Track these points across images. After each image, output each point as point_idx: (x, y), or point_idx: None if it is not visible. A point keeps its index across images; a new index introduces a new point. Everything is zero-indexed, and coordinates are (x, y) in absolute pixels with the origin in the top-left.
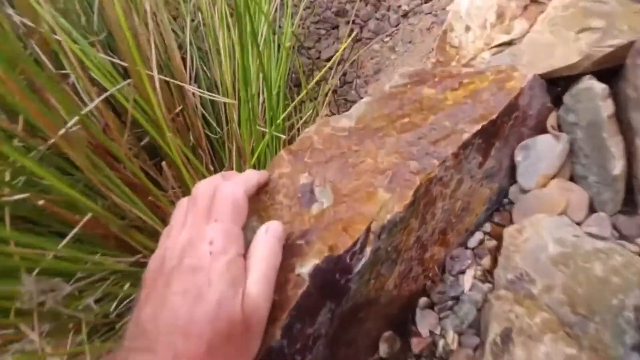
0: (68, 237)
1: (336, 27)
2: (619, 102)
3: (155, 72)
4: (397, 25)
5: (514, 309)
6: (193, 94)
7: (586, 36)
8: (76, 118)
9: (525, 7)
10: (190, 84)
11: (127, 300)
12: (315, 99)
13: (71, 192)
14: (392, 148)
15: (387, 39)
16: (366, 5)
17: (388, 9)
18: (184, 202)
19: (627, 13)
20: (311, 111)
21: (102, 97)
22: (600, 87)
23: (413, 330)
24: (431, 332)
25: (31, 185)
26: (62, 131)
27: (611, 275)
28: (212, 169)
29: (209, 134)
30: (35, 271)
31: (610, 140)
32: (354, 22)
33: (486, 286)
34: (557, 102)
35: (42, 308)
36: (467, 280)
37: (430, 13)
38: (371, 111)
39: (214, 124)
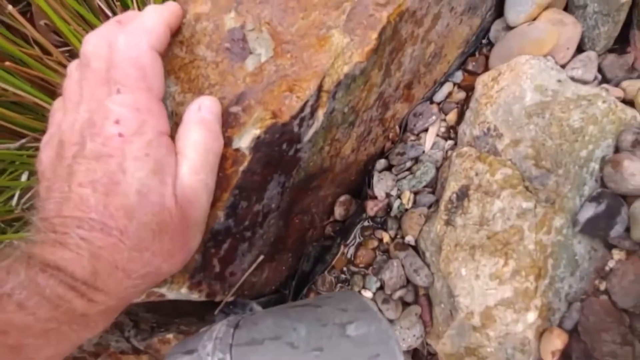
0: None
1: None
2: None
3: None
4: None
5: (475, 166)
6: None
7: None
8: None
9: None
10: None
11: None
12: None
13: None
14: None
15: None
16: None
17: None
18: (73, 67)
19: None
20: None
21: None
22: None
23: (369, 193)
24: (387, 194)
25: None
26: None
27: (589, 124)
28: (108, 14)
29: None
30: None
31: None
32: None
33: (448, 144)
34: None
35: None
36: (429, 138)
37: None
38: None
39: None
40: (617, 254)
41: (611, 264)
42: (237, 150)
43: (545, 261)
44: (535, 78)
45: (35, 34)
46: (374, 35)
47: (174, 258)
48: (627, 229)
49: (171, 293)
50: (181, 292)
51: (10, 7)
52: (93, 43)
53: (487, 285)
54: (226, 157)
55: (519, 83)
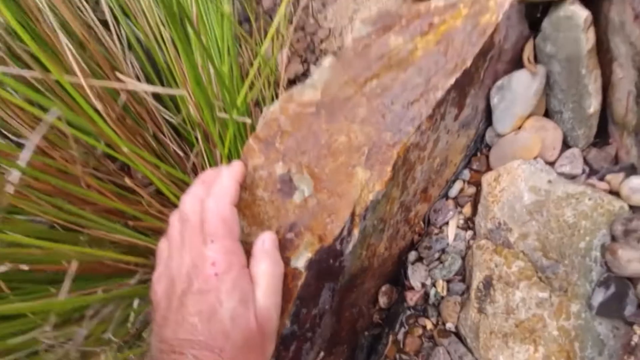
0: (65, 286)
1: None
2: (600, 24)
3: (80, 77)
4: None
5: (493, 258)
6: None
7: None
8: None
9: None
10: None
11: (140, 314)
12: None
13: (54, 245)
14: (365, 120)
15: None
16: None
17: None
18: (175, 220)
19: None
20: (269, 75)
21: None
22: (583, 15)
23: (407, 284)
24: (423, 284)
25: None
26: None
27: (581, 219)
28: (181, 154)
29: (168, 118)
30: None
31: (589, 76)
32: None
33: (469, 234)
34: (535, 27)
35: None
36: (451, 231)
37: None
38: (336, 76)
39: (168, 111)
40: (638, 329)
41: (635, 338)
42: (295, 269)
43: (571, 344)
44: (528, 180)
45: (137, 188)
46: (389, 169)
47: None
48: (639, 306)
49: None
50: None
51: (127, 179)
52: (189, 203)
53: None
54: (287, 275)
55: (516, 185)
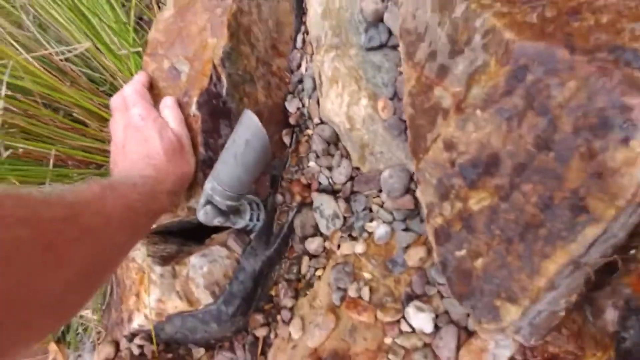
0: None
1: None
2: None
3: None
4: None
5: (316, 58)
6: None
7: None
8: None
9: None
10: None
11: None
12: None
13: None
14: (202, 8)
15: None
16: None
17: None
18: (112, 111)
19: None
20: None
21: None
22: None
23: (288, 114)
24: (298, 108)
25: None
26: None
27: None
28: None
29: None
30: None
31: None
32: None
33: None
34: None
35: None
36: (303, 65)
37: None
38: None
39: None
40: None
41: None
42: (194, 115)
43: (357, 72)
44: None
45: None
46: (225, 30)
47: (187, 167)
48: (388, 32)
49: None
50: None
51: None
52: (114, 98)
53: None
54: (190, 121)
55: (313, 6)
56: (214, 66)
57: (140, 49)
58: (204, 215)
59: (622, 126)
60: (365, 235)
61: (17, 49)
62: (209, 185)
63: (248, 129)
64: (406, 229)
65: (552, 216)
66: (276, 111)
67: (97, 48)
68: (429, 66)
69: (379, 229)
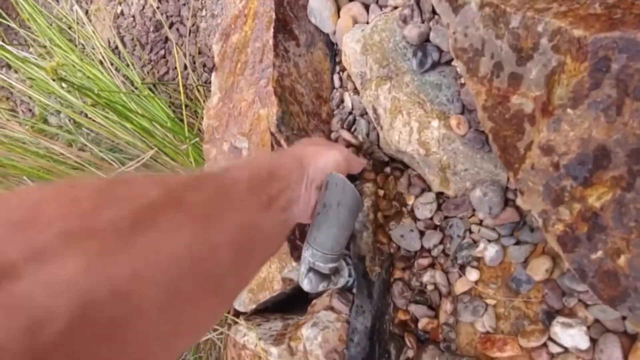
0: None
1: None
2: None
3: None
4: None
5: (367, 93)
6: None
7: None
8: None
9: None
10: None
11: None
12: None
13: None
14: (246, 85)
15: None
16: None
17: None
18: None
19: None
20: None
21: None
22: None
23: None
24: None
25: None
26: None
27: (382, 34)
28: None
29: None
30: None
31: None
32: (171, 24)
33: (356, 96)
34: None
35: None
36: (347, 101)
37: None
38: (220, 78)
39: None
40: (447, 69)
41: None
42: None
43: (418, 96)
44: (353, 38)
45: None
46: (273, 98)
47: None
48: (438, 50)
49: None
50: None
51: None
52: None
53: None
54: None
55: (349, 46)
56: (272, 134)
57: (197, 138)
58: (308, 283)
59: None
60: (474, 262)
61: (83, 168)
62: (308, 252)
63: (337, 191)
64: (518, 243)
65: None
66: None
67: (161, 150)
68: (497, 78)
69: (488, 251)
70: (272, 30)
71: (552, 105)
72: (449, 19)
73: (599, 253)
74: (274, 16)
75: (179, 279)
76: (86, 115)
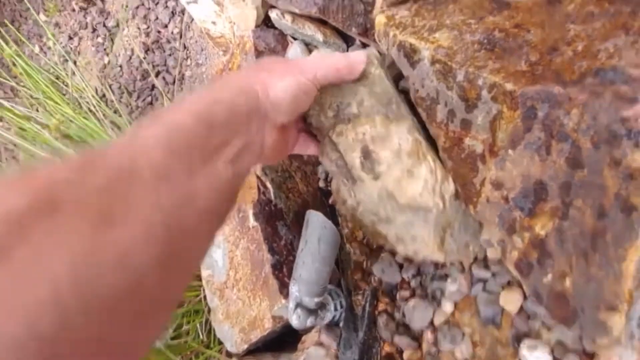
0: None
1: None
2: None
3: None
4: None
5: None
6: None
7: None
8: None
9: None
10: None
11: None
12: None
13: None
14: None
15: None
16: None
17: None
18: None
19: None
20: None
21: None
22: None
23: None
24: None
25: None
26: None
27: None
28: None
29: None
30: None
31: None
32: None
33: None
34: None
35: None
36: None
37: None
38: None
39: None
40: None
41: None
42: (253, 226)
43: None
44: None
45: None
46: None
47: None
48: None
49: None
50: None
51: None
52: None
53: None
54: (252, 232)
55: None
56: (257, 177)
57: None
58: (296, 319)
59: (628, 135)
60: (446, 293)
61: None
62: (294, 288)
63: (317, 228)
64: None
65: (610, 221)
66: (317, 194)
67: None
68: (451, 122)
69: (452, 286)
70: None
71: (496, 146)
72: (407, 72)
73: (549, 277)
74: None
75: (63, 316)
76: None
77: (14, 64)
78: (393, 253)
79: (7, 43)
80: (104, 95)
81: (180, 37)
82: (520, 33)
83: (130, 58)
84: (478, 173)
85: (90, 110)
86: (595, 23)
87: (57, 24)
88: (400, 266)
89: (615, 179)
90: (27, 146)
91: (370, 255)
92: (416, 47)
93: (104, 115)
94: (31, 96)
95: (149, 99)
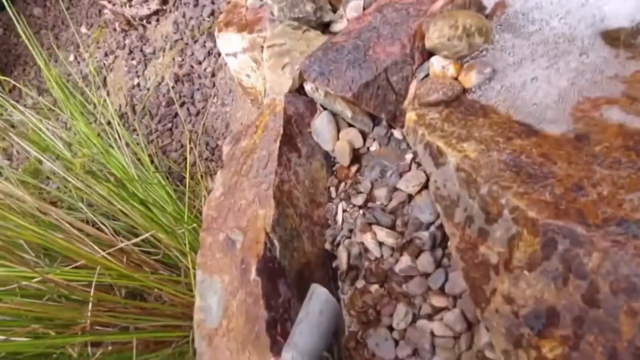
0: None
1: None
2: None
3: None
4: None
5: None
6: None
7: None
8: None
9: None
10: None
11: None
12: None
13: None
14: (248, 186)
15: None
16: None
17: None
18: None
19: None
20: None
21: None
22: None
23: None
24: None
25: None
26: None
27: None
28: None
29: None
30: None
31: None
32: (183, 103)
33: (353, 214)
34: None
35: None
36: (339, 215)
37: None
38: (225, 175)
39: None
40: None
41: None
42: (254, 280)
43: None
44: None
45: None
46: (272, 201)
47: None
48: None
49: None
50: None
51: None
52: None
53: None
54: (252, 286)
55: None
56: (266, 233)
57: (194, 224)
58: None
59: None
60: None
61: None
62: (288, 355)
63: (319, 301)
64: None
65: None
66: (321, 255)
67: (165, 231)
68: (469, 227)
69: None
70: (278, 142)
71: (512, 264)
72: (430, 169)
73: None
74: (281, 131)
75: None
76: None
77: (49, 79)
78: (391, 328)
79: (42, 45)
80: (125, 113)
81: (212, 75)
82: (546, 163)
83: (160, 84)
84: (490, 281)
85: (109, 123)
86: (622, 171)
87: (96, 39)
88: (396, 343)
89: (630, 327)
90: (43, 158)
91: (367, 325)
92: (443, 151)
93: (119, 135)
94: (55, 104)
95: (170, 125)
